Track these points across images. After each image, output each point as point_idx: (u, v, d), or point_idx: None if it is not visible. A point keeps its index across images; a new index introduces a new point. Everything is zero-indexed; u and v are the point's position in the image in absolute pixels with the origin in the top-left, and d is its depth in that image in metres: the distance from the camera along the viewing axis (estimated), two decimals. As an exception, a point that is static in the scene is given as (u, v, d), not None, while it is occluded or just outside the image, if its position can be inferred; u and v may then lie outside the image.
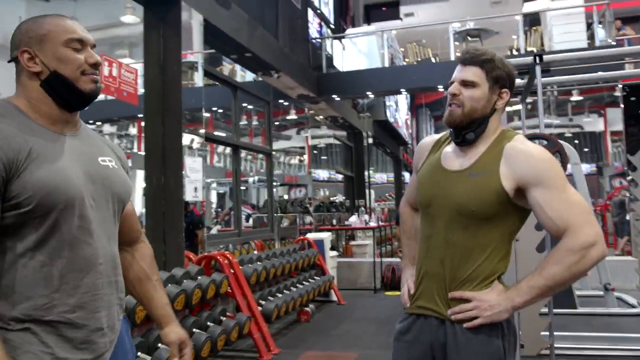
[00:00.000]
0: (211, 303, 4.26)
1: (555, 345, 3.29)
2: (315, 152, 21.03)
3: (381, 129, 13.75)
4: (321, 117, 12.18)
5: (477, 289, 1.47)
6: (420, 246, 1.61)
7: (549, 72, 3.29)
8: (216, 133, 12.30)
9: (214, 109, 11.50)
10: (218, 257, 4.51)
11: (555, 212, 1.40)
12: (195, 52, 11.67)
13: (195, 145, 17.97)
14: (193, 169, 4.75)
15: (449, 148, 1.58)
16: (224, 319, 4.16)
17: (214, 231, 8.71)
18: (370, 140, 12.65)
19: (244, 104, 10.14)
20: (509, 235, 1.52)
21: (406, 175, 18.91)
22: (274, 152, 19.51)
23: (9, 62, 1.35)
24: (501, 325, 1.47)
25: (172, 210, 4.55)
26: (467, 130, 1.51)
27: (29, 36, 1.31)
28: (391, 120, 13.55)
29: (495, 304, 1.43)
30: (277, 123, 16.64)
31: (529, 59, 3.22)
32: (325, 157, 21.15)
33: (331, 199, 13.71)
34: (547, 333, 3.26)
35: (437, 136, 1.68)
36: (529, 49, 8.99)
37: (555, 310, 3.32)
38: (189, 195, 4.75)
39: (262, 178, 12.97)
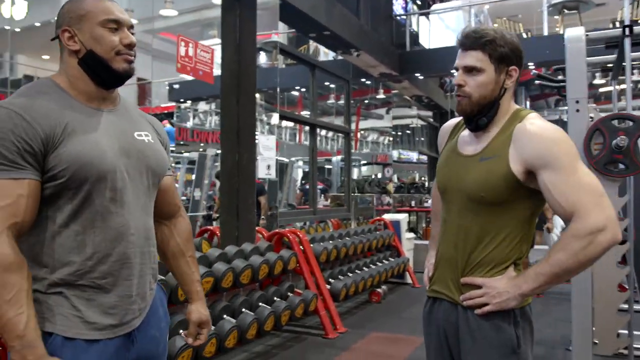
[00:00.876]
0: (279, 279, 4.36)
1: (635, 345, 3.03)
2: (407, 132, 20.67)
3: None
4: (406, 97, 11.92)
5: (489, 274, 1.45)
6: (440, 230, 1.62)
7: (640, 46, 2.97)
8: (304, 113, 12.45)
9: (302, 89, 11.63)
10: (288, 234, 4.58)
11: (563, 196, 1.32)
12: (280, 32, 11.84)
13: (285, 124, 18.36)
14: (266, 147, 4.83)
15: (466, 132, 1.55)
16: (290, 295, 4.23)
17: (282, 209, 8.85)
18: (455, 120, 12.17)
19: (328, 84, 10.14)
20: (524, 220, 1.46)
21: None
22: (362, 132, 19.38)
23: (52, 40, 1.43)
24: (513, 312, 1.43)
25: (245, 187, 4.67)
26: (478, 116, 1.46)
27: (70, 16, 1.37)
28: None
29: (504, 291, 1.40)
30: (366, 102, 16.52)
31: (618, 30, 2.92)
32: (416, 139, 20.73)
33: (415, 180, 13.47)
34: (626, 331, 3.00)
35: (456, 120, 1.65)
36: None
37: (636, 307, 3.05)
38: (262, 173, 4.84)
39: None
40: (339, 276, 5.06)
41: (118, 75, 1.37)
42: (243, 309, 3.66)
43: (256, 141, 4.74)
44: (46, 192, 1.28)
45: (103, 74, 1.36)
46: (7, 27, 15.69)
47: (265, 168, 4.81)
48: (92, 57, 1.35)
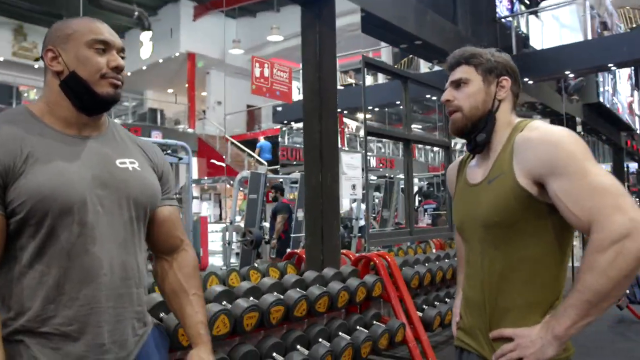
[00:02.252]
0: (367, 306, 4.08)
1: None
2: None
3: (594, 113, 11.96)
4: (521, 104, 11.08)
5: (522, 323, 1.24)
6: (464, 273, 1.46)
7: None
8: (414, 127, 12.09)
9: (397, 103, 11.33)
10: (374, 258, 4.30)
11: (577, 204, 1.14)
12: (382, 47, 11.64)
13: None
14: (350, 165, 4.61)
15: (474, 161, 1.48)
16: (376, 323, 3.93)
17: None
18: (579, 127, 11.09)
19: (429, 96, 9.72)
20: (551, 245, 1.23)
21: (631, 166, 16.24)
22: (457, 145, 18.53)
23: (36, 60, 1.36)
24: None
25: (329, 208, 4.48)
26: (475, 133, 1.37)
27: (57, 35, 1.29)
28: (607, 105, 11.69)
29: (536, 338, 1.17)
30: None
31: None
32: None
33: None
34: None
35: (460, 158, 1.60)
36: None
37: None
38: (346, 193, 4.62)
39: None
40: (435, 302, 4.66)
41: (101, 100, 1.27)
42: (320, 339, 3.43)
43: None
44: (11, 228, 1.18)
45: (85, 98, 1.26)
46: (143, 68, 17.30)
47: (349, 188, 4.58)
48: (75, 79, 1.25)
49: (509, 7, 8.90)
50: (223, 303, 3.02)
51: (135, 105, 18.54)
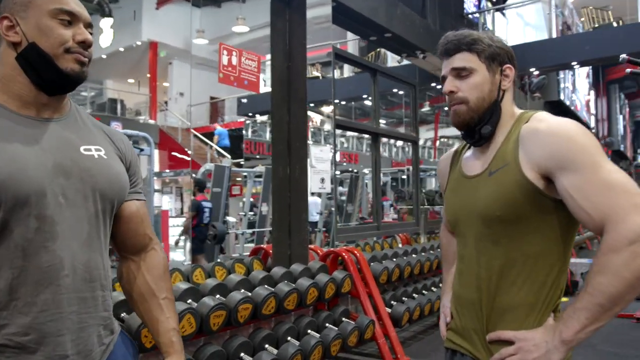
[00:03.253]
0: (335, 302, 3.98)
1: None
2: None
3: (554, 110, 12.22)
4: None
5: (524, 324, 1.16)
6: (456, 270, 1.34)
7: None
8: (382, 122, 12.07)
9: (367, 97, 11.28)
10: (343, 253, 4.20)
11: (589, 201, 1.05)
12: (350, 40, 11.57)
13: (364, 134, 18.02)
14: (320, 158, 4.50)
15: (469, 152, 1.39)
16: (345, 320, 3.84)
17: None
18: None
19: (396, 91, 9.70)
20: (557, 241, 1.15)
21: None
22: (444, 139, 18.64)
23: None
24: None
25: (298, 202, 4.36)
26: (480, 125, 1.27)
27: (14, 1, 1.11)
28: (566, 102, 11.96)
29: (541, 342, 1.08)
30: (445, 109, 15.89)
31: None
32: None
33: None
34: None
35: (453, 149, 1.50)
36: None
37: None
38: (315, 187, 4.51)
39: (422, 167, 12.40)
40: (403, 298, 4.60)
41: (64, 76, 1.10)
42: (288, 338, 3.32)
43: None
44: None
45: (46, 73, 1.09)
46: (103, 56, 16.73)
47: (318, 181, 4.47)
48: (35, 51, 1.08)
49: (476, 3, 8.95)
50: (188, 301, 2.86)
51: (94, 95, 17.94)
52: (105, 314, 1.17)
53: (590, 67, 12.94)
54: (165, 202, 13.34)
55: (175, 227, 10.69)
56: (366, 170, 14.50)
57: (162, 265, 1.34)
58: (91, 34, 1.16)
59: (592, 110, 16.64)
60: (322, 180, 4.53)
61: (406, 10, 6.21)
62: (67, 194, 1.08)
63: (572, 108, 12.76)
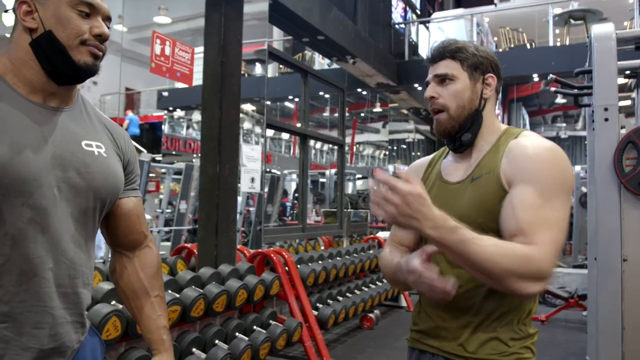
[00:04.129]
0: (261, 304, 3.91)
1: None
2: (402, 146, 20.39)
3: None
4: (404, 110, 11.58)
5: (510, 327, 1.22)
6: None
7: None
8: (299, 125, 12.10)
9: (297, 99, 11.27)
10: (271, 255, 4.14)
11: (525, 218, 1.10)
12: (275, 39, 11.50)
13: (280, 136, 18.01)
14: (251, 157, 4.40)
15: (449, 158, 1.38)
16: (273, 323, 3.78)
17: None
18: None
19: (323, 94, 9.76)
20: None
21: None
22: (357, 145, 19.03)
23: (5, 11, 1.11)
24: None
25: (226, 201, 4.24)
26: (461, 132, 1.28)
27: None
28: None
29: (430, 217, 1.02)
30: (362, 115, 16.21)
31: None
32: (412, 153, 20.46)
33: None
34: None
35: (427, 157, 1.48)
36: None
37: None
38: (245, 186, 4.41)
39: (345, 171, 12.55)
40: (328, 300, 4.61)
41: (77, 68, 1.08)
42: (216, 341, 3.20)
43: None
44: None
45: (58, 63, 1.07)
46: (7, 35, 15.46)
47: (249, 181, 4.38)
48: (50, 40, 1.06)
49: (403, 14, 9.22)
50: (112, 303, 2.68)
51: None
52: (83, 311, 1.16)
53: (501, 84, 13.74)
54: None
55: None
56: (286, 171, 14.50)
57: (156, 264, 1.35)
58: (108, 27, 1.15)
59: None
60: (252, 179, 4.44)
61: (339, 14, 6.27)
62: (61, 187, 1.07)
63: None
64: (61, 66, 1.07)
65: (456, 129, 1.27)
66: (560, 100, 19.00)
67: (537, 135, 1.24)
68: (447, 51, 1.28)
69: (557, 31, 8.35)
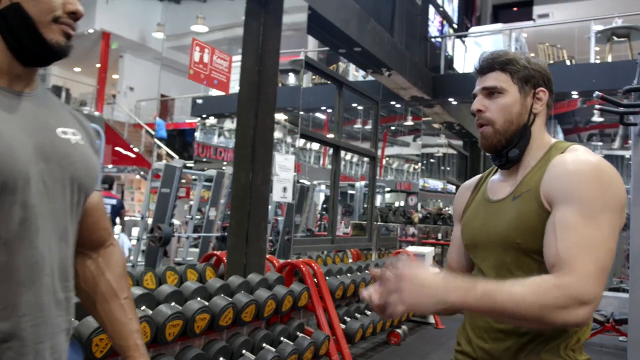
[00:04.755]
0: (289, 315, 3.86)
1: None
2: (431, 160, 20.21)
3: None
4: (436, 124, 11.46)
5: (556, 353, 1.14)
6: None
7: None
8: (329, 136, 12.09)
9: (329, 109, 11.26)
10: (301, 266, 4.10)
11: (564, 242, 1.03)
12: (309, 50, 11.55)
13: (309, 146, 18.06)
14: (284, 167, 4.39)
15: (496, 176, 1.33)
16: (300, 334, 3.73)
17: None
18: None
19: (355, 105, 9.73)
20: None
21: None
22: (387, 158, 18.95)
23: None
24: None
25: (258, 210, 4.22)
26: (508, 148, 1.22)
27: None
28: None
29: (426, 286, 0.97)
30: (392, 128, 16.10)
31: None
32: (442, 167, 20.24)
33: (442, 210, 12.87)
34: None
35: (478, 176, 1.43)
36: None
37: None
38: (277, 196, 4.39)
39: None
40: (356, 314, 4.54)
41: (49, 48, 0.96)
42: (244, 351, 3.17)
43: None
44: None
45: (27, 41, 0.94)
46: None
47: (281, 190, 4.36)
48: (18, 13, 0.93)
49: (440, 28, 9.15)
50: (142, 308, 2.67)
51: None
52: (71, 317, 1.05)
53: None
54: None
55: (116, 225, 10.22)
56: (316, 182, 14.48)
57: (122, 263, 1.24)
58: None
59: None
60: (285, 189, 4.42)
61: (376, 26, 6.24)
62: (46, 182, 0.95)
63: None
64: (31, 44, 0.95)
65: (502, 144, 1.22)
66: (596, 118, 18.58)
67: (585, 150, 1.16)
68: (497, 63, 1.22)
69: (598, 48, 8.16)
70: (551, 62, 8.94)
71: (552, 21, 12.56)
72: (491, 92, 1.22)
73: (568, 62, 9.04)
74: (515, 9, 13.22)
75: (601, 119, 17.27)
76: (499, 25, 9.97)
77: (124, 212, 8.54)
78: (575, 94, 7.63)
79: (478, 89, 1.25)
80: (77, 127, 1.06)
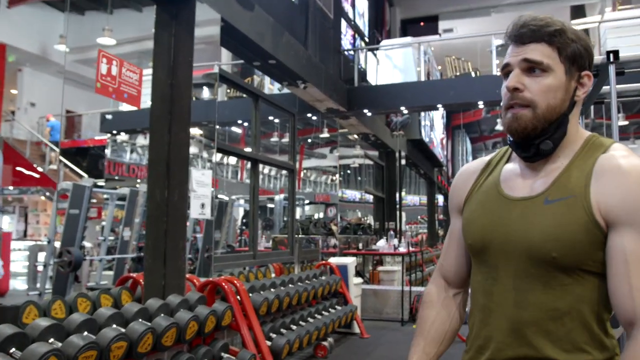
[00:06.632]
0: (212, 336, 3.73)
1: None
2: (348, 171, 20.54)
3: (415, 148, 13.12)
4: (352, 135, 11.67)
5: None
6: (475, 309, 1.08)
7: (623, 76, 2.68)
8: (247, 149, 11.94)
9: (245, 123, 11.14)
10: (222, 284, 3.98)
11: (637, 286, 0.88)
12: (223, 63, 11.40)
13: (226, 161, 17.77)
14: (201, 182, 4.25)
15: (511, 166, 1.11)
16: (225, 355, 3.61)
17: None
18: (404, 161, 12.05)
19: (272, 118, 9.70)
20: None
21: (440, 198, 18.12)
22: (305, 171, 19.10)
23: None
24: None
25: (175, 228, 4.05)
26: (541, 138, 1.01)
27: None
28: (426, 139, 12.92)
29: None
30: (309, 141, 16.21)
31: (600, 57, 2.62)
32: (359, 178, 20.65)
33: (361, 220, 13.10)
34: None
35: (484, 159, 1.20)
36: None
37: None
38: (195, 212, 4.25)
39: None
40: (281, 330, 4.47)
41: None
42: (165, 378, 3.01)
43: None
44: None
45: None
46: None
47: (199, 206, 4.22)
48: None
49: (352, 41, 9.35)
50: (50, 341, 2.46)
51: None
52: None
53: (444, 110, 14.15)
54: (6, 223, 11.83)
55: (17, 250, 9.51)
56: (234, 197, 14.24)
57: None
58: None
59: (445, 151, 18.19)
60: (203, 205, 4.28)
61: (291, 39, 6.26)
62: None
63: (430, 145, 13.80)
64: None
65: (537, 132, 1.01)
66: (500, 127, 19.78)
67: (629, 151, 1.00)
68: (545, 33, 0.99)
69: (499, 61, 8.70)
70: (458, 74, 9.40)
71: (457, 35, 13.24)
72: (532, 68, 1.00)
73: (473, 74, 9.54)
74: (422, 23, 13.82)
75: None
76: (408, 39, 10.36)
77: None
78: (481, 104, 8.05)
79: (516, 60, 1.02)
80: None
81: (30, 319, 2.75)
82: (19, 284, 8.85)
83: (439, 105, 8.26)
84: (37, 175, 11.77)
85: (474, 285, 1.11)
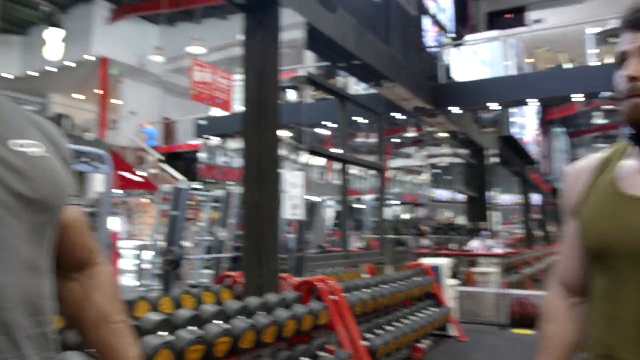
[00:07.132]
0: (309, 335, 3.79)
1: None
2: (436, 170, 20.13)
3: (506, 145, 12.60)
4: (440, 134, 11.45)
5: None
6: (596, 316, 1.01)
7: None
8: (335, 150, 12.02)
9: (331, 124, 11.24)
10: (318, 283, 4.04)
11: None
12: (307, 66, 11.59)
13: (313, 162, 18.06)
14: (293, 184, 4.35)
15: (630, 162, 1.01)
16: (322, 354, 3.66)
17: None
18: (493, 159, 11.62)
19: (356, 118, 9.71)
20: None
21: (533, 198, 17.29)
22: (391, 170, 18.88)
23: None
24: None
25: (268, 229, 4.16)
26: None
27: None
28: (517, 136, 12.38)
29: None
30: (397, 140, 16.06)
31: None
32: (449, 177, 20.19)
33: (450, 220, 12.80)
34: None
35: (596, 156, 1.10)
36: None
37: None
38: (287, 213, 4.35)
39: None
40: (376, 330, 4.46)
41: None
42: (266, 374, 3.11)
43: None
44: None
45: None
46: (48, 69, 15.99)
47: (290, 207, 4.31)
48: None
49: (436, 38, 9.16)
50: (160, 334, 2.62)
51: (36, 110, 17.08)
52: (53, 354, 0.92)
53: (539, 105, 13.50)
54: (116, 224, 12.74)
55: (125, 249, 10.18)
56: (323, 198, 14.40)
57: (112, 282, 1.10)
58: None
59: (540, 147, 17.34)
60: (295, 206, 4.37)
61: (373, 39, 6.24)
62: (7, 202, 0.83)
63: (522, 142, 13.22)
64: None
65: None
66: (598, 120, 18.58)
67: None
68: None
69: (598, 50, 8.16)
70: (551, 65, 8.94)
71: (546, 26, 12.58)
72: None
73: (570, 65, 9.03)
74: (508, 15, 13.25)
75: (604, 121, 17.22)
76: (495, 32, 9.98)
77: None
78: (575, 97, 7.59)
79: (634, 46, 0.96)
80: (38, 137, 0.93)
81: (141, 313, 2.94)
82: (126, 280, 9.46)
83: (530, 100, 7.88)
84: (139, 179, 12.57)
85: (594, 290, 1.04)
